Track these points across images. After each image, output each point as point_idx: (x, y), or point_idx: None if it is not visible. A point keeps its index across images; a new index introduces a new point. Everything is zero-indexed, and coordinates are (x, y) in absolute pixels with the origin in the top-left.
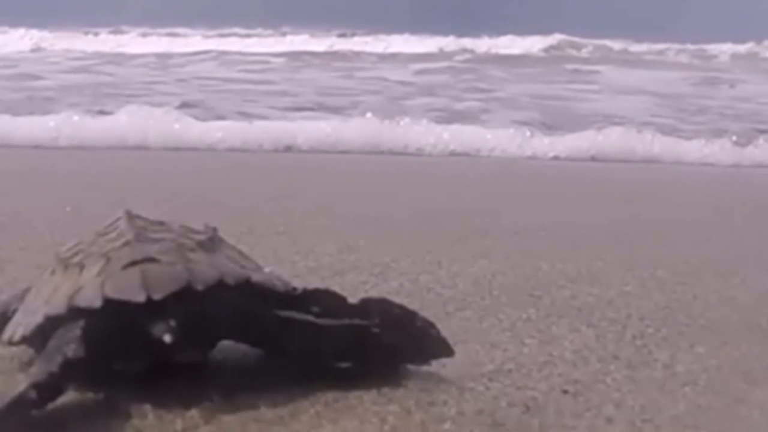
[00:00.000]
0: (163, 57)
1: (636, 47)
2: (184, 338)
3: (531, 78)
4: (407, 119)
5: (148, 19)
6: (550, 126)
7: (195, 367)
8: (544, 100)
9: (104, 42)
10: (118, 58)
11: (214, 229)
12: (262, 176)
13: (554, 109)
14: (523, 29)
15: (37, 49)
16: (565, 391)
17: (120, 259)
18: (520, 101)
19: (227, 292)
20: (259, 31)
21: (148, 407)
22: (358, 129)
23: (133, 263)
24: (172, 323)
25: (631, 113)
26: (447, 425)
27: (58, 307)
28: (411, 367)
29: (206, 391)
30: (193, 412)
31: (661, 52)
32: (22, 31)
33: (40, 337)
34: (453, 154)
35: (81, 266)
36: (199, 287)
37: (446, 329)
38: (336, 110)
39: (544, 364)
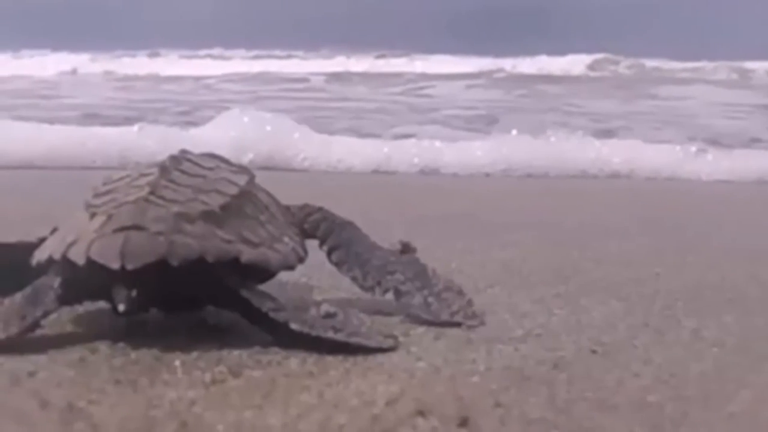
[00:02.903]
0: (218, 78)
1: (671, 64)
2: (161, 304)
3: (606, 94)
4: (558, 134)
5: (184, 42)
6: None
7: (224, 326)
8: (655, 115)
9: (145, 65)
10: (168, 80)
11: (246, 188)
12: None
13: (677, 124)
14: (553, 49)
15: (75, 72)
16: (594, 351)
17: (116, 221)
18: (626, 117)
19: (211, 266)
20: (300, 53)
21: (177, 362)
22: (514, 147)
23: (122, 229)
24: (134, 294)
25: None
26: (475, 378)
27: (58, 252)
28: (438, 331)
29: (235, 347)
30: (222, 367)
31: (696, 69)
32: (63, 54)
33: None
34: (615, 175)
35: (93, 214)
36: (174, 262)
37: (476, 302)
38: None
39: (572, 330)
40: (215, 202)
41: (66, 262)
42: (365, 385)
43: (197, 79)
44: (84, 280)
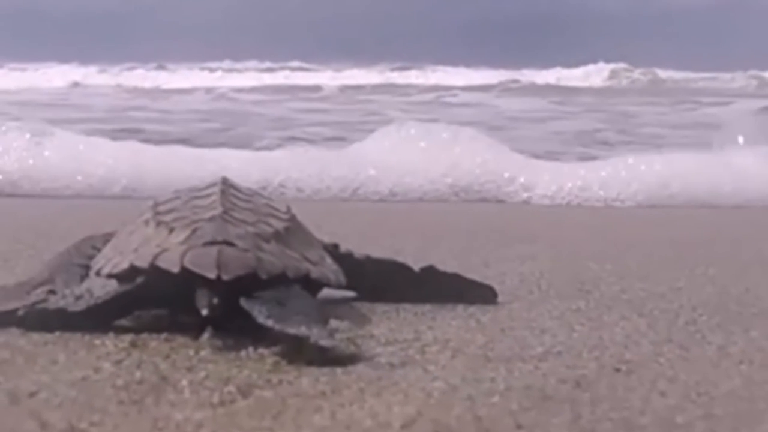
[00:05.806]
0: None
1: (684, 74)
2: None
3: (649, 102)
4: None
5: (192, 54)
6: None
7: (234, 345)
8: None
9: (156, 78)
10: (179, 92)
11: (292, 214)
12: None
13: None
14: (561, 60)
15: (78, 84)
16: (618, 370)
17: (203, 235)
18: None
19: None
20: (314, 65)
21: (184, 382)
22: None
23: (213, 243)
24: (215, 301)
25: None
26: (495, 399)
27: (143, 261)
28: (455, 349)
29: (245, 366)
30: (231, 387)
31: (713, 78)
32: (69, 66)
33: (123, 278)
34: None
35: (171, 229)
36: (264, 276)
37: (493, 318)
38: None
39: (594, 347)
40: (278, 225)
41: (154, 270)
42: (380, 405)
43: (209, 90)
44: (158, 289)
